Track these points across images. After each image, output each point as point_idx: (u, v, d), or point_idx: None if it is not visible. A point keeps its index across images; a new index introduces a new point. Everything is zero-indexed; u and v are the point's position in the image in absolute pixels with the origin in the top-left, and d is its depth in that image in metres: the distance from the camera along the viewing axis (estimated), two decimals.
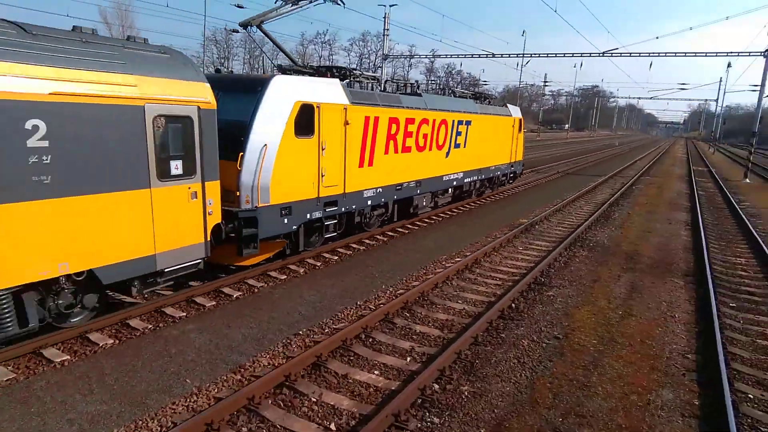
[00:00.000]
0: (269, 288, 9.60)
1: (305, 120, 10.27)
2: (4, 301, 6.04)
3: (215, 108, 8.27)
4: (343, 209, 11.90)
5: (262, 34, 11.68)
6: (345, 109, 11.39)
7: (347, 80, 12.46)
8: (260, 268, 10.24)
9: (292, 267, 10.76)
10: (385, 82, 15.46)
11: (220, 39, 71.09)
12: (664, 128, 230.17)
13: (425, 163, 15.31)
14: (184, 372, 6.46)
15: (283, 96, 9.85)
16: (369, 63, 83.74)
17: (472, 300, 9.56)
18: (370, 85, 13.36)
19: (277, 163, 9.68)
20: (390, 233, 14.20)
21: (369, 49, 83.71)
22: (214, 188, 8.43)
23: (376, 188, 13.13)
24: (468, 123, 17.67)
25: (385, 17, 38.88)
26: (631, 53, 35.78)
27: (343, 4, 12.86)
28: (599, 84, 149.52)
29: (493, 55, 40.22)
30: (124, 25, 55.38)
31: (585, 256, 12.89)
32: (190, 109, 7.82)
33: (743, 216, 19.02)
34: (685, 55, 34.02)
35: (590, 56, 37.30)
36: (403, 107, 13.71)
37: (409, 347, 7.51)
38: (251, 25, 11.45)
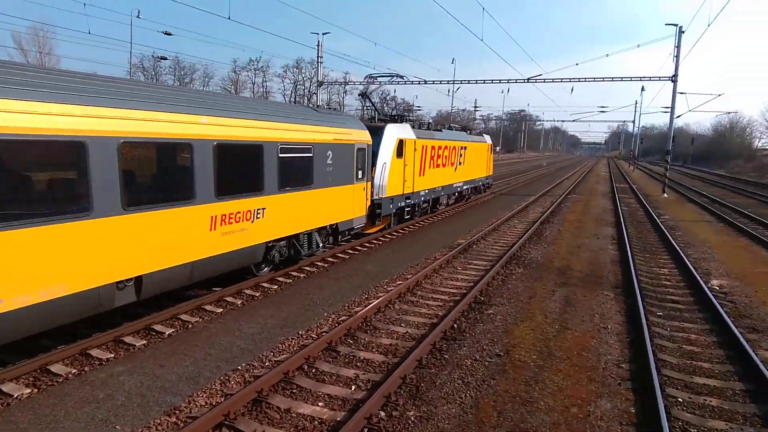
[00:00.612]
0: (204, 323, 9.20)
1: (399, 148, 17.53)
2: (306, 236, 12.64)
3: (371, 144, 15.50)
4: (412, 201, 19.39)
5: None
6: (414, 141, 18.82)
7: (410, 123, 20.10)
8: (195, 302, 9.82)
9: (229, 299, 10.39)
10: (429, 123, 24.21)
11: (148, 66, 68.86)
12: (587, 148, 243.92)
13: (445, 176, 23.12)
14: (113, 418, 6.02)
15: (391, 135, 17.16)
16: (304, 89, 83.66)
17: (415, 323, 9.56)
18: (419, 124, 21.50)
19: (389, 174, 16.94)
20: (330, 259, 14.06)
21: (303, 75, 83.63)
22: (369, 186, 15.69)
23: (425, 190, 20.72)
24: (464, 148, 25.76)
25: (318, 45, 39.22)
26: (553, 79, 37.82)
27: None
28: (526, 108, 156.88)
29: (425, 82, 41.34)
30: (42, 51, 52.59)
31: (521, 273, 13.26)
32: (365, 145, 15.06)
33: (664, 229, 20.29)
34: (603, 80, 36.23)
35: (516, 82, 39.11)
36: (435, 139, 21.40)
37: (353, 375, 7.38)
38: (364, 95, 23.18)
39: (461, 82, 44.14)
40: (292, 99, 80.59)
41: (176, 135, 8.35)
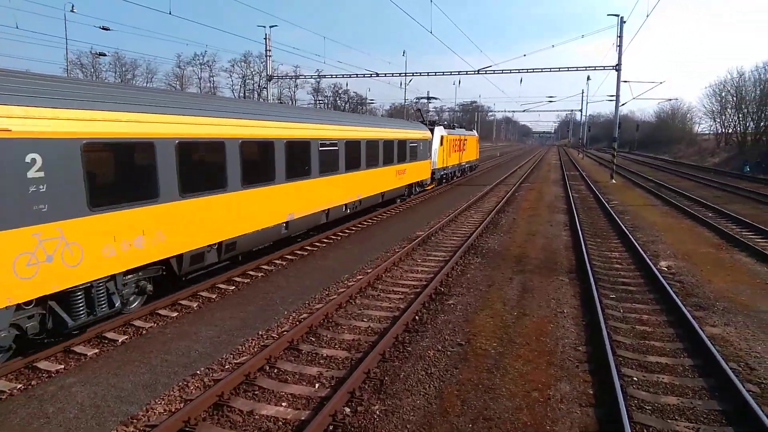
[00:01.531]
0: (159, 328, 8.91)
1: (440, 141, 30.71)
2: (417, 184, 26.61)
3: (430, 138, 28.52)
4: (445, 172, 33.22)
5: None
6: (446, 137, 31.93)
7: (443, 125, 33.26)
8: (148, 307, 9.49)
9: (184, 302, 10.09)
10: (452, 124, 39.17)
11: (86, 63, 65.75)
12: (538, 138, 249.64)
13: (458, 157, 37.25)
14: None
15: (438, 134, 30.39)
16: (253, 84, 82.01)
17: (378, 317, 9.56)
18: (445, 125, 34.08)
19: (437, 156, 30.34)
20: (289, 256, 13.88)
21: (252, 70, 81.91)
22: (429, 163, 28.38)
23: (450, 165, 34.52)
24: (465, 140, 39.60)
25: (266, 38, 38.50)
26: (503, 70, 38.42)
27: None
28: (477, 99, 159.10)
29: (377, 75, 41.29)
30: None
31: (479, 263, 13.45)
32: (429, 139, 27.75)
33: (613, 214, 21.02)
34: (550, 71, 37.10)
35: (467, 74, 39.56)
36: (453, 135, 34.50)
37: (317, 373, 7.30)
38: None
39: (413, 74, 44.31)
40: (241, 94, 78.82)
41: (331, 137, 15.58)
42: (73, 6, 35.85)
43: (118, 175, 8.31)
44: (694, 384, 7.08)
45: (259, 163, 11.94)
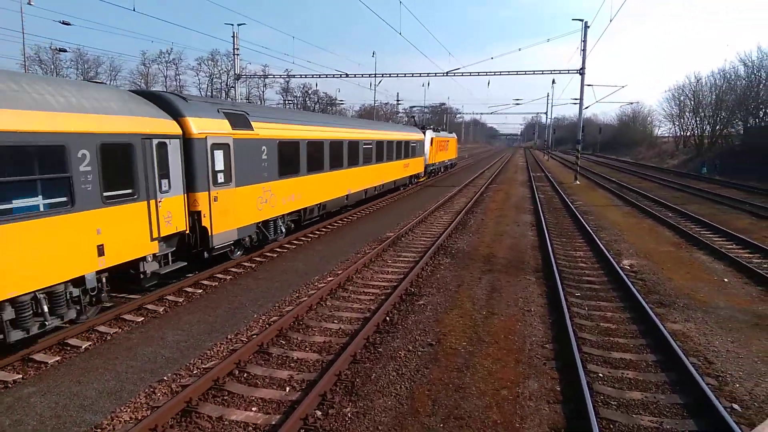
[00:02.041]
0: (125, 333, 8.68)
1: (431, 141, 38.39)
2: (414, 176, 33.34)
3: (424, 139, 36.96)
4: (434, 168, 41.22)
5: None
6: (434, 138, 39.55)
7: (431, 128, 42.44)
8: (113, 312, 9.24)
9: (150, 307, 9.86)
10: (438, 128, 52.63)
11: (45, 59, 63.27)
12: (505, 139, 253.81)
13: (443, 155, 45.04)
14: None
15: (428, 135, 38.05)
16: (221, 83, 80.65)
17: (348, 318, 9.53)
18: (433, 128, 44.46)
19: (429, 153, 37.88)
20: (258, 259, 13.72)
21: (220, 68, 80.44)
22: (423, 159, 35.88)
23: (438, 162, 42.86)
24: (448, 141, 47.54)
25: (234, 36, 37.99)
26: (471, 73, 38.94)
27: None
28: (446, 101, 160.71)
29: (347, 75, 41.23)
30: None
31: (449, 263, 13.56)
32: (422, 140, 35.59)
33: (578, 214, 21.50)
34: (517, 74, 37.78)
35: (436, 76, 39.92)
36: (441, 136, 43.45)
37: (287, 376, 7.24)
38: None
39: (383, 75, 44.42)
40: (209, 93, 77.43)
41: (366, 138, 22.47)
42: None
43: (289, 158, 15.02)
44: (657, 379, 7.29)
45: (335, 155, 18.71)
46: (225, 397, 6.66)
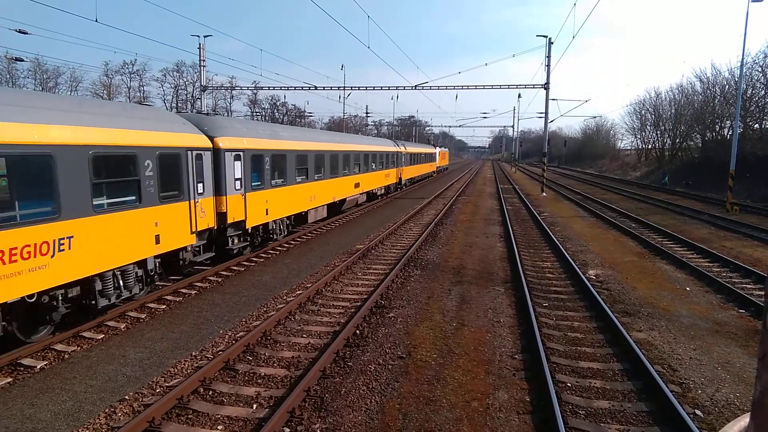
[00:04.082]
0: (83, 351, 8.35)
1: (438, 153, 68.97)
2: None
3: (435, 152, 66.67)
4: (440, 168, 73.39)
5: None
6: (440, 151, 73.33)
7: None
8: (72, 330, 8.89)
9: (111, 324, 9.53)
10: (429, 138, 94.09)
11: (0, 68, 60.76)
12: (473, 152, 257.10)
13: (444, 162, 78.54)
14: None
15: (437, 150, 68.64)
16: (186, 94, 79.40)
17: (317, 332, 9.39)
18: (437, 144, 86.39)
19: (438, 160, 69.52)
20: (224, 273, 13.45)
21: (185, 80, 79.15)
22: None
23: (441, 165, 73.84)
24: (446, 153, 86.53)
25: (200, 48, 37.58)
26: (439, 86, 39.39)
27: None
28: (415, 114, 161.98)
29: (315, 88, 41.19)
30: None
31: (419, 275, 13.56)
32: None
33: (544, 225, 21.85)
34: (483, 88, 38.37)
35: (404, 89, 40.21)
36: (442, 150, 78.63)
37: (254, 393, 7.06)
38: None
39: (352, 88, 44.44)
40: (174, 105, 76.16)
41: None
42: None
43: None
44: (623, 387, 7.39)
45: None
46: (189, 416, 6.44)
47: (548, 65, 36.68)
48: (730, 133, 43.90)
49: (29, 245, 7.42)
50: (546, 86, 36.76)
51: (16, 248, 7.20)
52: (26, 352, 8.00)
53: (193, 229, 11.72)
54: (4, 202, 7.56)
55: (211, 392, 7.07)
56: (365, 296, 11.46)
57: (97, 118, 9.06)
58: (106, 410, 6.52)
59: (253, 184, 14.46)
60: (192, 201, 11.69)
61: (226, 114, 78.85)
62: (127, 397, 6.88)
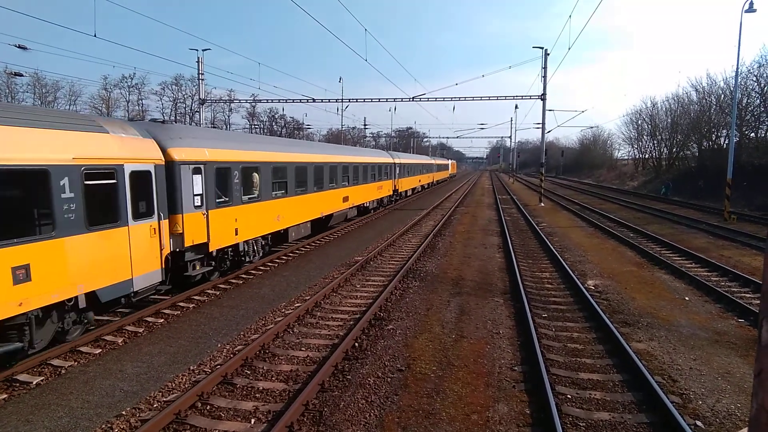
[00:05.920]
0: (81, 366, 8.29)
1: (450, 164, 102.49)
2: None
3: (449, 163, 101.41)
4: (452, 175, 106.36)
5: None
6: (452, 162, 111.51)
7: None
8: (68, 344, 8.83)
9: (108, 338, 9.48)
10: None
11: (0, 83, 60.86)
12: (471, 163, 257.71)
13: (454, 170, 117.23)
14: None
15: (450, 161, 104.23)
16: (185, 108, 79.68)
17: (316, 345, 9.35)
18: (448, 157, 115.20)
19: (450, 170, 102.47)
20: (222, 286, 13.40)
21: (184, 93, 79.42)
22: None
23: (452, 173, 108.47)
24: (455, 163, 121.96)
25: (198, 61, 37.79)
26: (436, 98, 39.57)
27: None
28: (413, 126, 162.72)
29: (314, 100, 41.37)
30: None
31: (418, 287, 13.53)
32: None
33: (543, 235, 21.85)
34: (481, 99, 38.55)
35: (402, 101, 40.45)
36: (452, 161, 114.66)
37: (252, 408, 7.01)
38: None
39: (349, 100, 44.68)
40: (173, 118, 76.40)
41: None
42: None
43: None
44: (623, 399, 7.35)
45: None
46: (187, 431, 6.39)
47: (545, 76, 36.93)
48: (726, 142, 44.15)
49: None
50: (543, 97, 36.97)
51: None
52: (22, 368, 7.95)
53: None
54: None
55: (209, 407, 7.02)
56: (364, 308, 11.42)
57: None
58: (103, 426, 6.46)
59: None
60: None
61: (224, 127, 79.16)
62: (124, 412, 6.82)
